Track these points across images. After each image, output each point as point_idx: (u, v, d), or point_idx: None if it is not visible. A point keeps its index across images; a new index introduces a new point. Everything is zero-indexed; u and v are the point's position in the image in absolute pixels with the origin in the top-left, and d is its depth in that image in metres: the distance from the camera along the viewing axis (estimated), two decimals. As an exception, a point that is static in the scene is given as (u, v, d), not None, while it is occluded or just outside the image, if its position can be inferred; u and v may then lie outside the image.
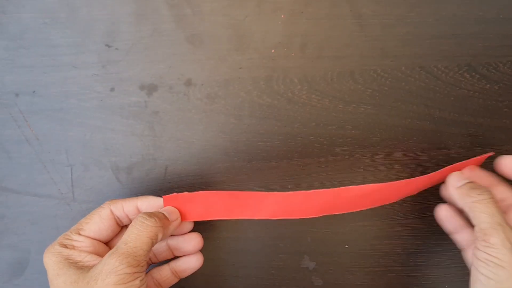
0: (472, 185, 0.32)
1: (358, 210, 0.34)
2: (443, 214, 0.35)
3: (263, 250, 0.38)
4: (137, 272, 0.28)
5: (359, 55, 0.36)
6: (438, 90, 0.37)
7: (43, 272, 0.37)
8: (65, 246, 0.31)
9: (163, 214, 0.31)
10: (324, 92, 0.37)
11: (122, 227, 0.34)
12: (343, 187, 0.32)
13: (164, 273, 0.34)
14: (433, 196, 0.36)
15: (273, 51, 0.36)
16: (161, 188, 0.37)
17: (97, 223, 0.32)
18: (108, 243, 0.33)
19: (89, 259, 0.30)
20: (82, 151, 0.36)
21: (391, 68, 0.37)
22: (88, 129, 0.36)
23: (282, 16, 0.36)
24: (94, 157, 0.36)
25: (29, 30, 0.36)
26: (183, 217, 0.33)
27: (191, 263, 0.34)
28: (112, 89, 0.36)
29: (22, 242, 0.37)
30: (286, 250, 0.38)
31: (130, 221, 0.33)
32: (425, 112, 0.37)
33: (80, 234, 0.31)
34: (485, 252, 0.29)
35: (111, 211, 0.32)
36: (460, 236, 0.34)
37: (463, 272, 0.40)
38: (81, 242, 0.31)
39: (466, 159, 0.34)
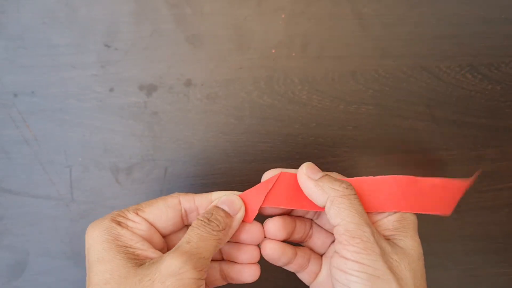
0: (333, 177, 0.28)
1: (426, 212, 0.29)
2: (274, 249, 0.30)
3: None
4: (201, 278, 0.24)
5: (360, 55, 0.36)
6: (440, 90, 0.37)
7: (42, 273, 0.37)
8: (118, 223, 0.26)
9: (224, 212, 0.28)
10: (325, 92, 0.36)
11: (184, 226, 0.30)
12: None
13: (212, 273, 0.30)
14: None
15: (273, 51, 0.36)
16: (161, 189, 0.37)
17: (160, 208, 0.28)
18: (165, 238, 0.29)
19: (140, 246, 0.26)
20: (81, 151, 0.36)
21: (393, 68, 0.36)
22: (87, 129, 0.36)
23: (283, 16, 0.36)
24: (93, 158, 0.36)
25: (28, 30, 0.35)
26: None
27: (245, 276, 0.30)
28: (111, 90, 0.36)
29: (20, 243, 0.37)
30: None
31: None
32: (426, 113, 0.37)
33: (137, 214, 0.27)
34: (355, 261, 0.24)
35: (179, 201, 0.28)
36: (295, 261, 0.30)
37: (465, 274, 0.40)
38: (137, 223, 0.27)
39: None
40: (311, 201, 0.29)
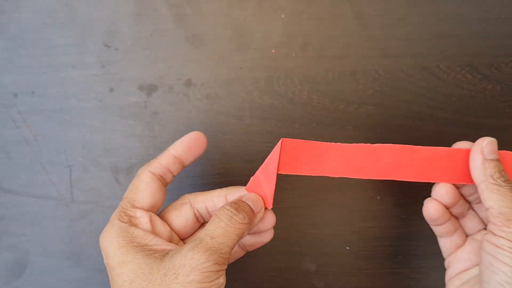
0: (501, 167, 0.28)
1: (427, 180, 0.31)
2: (436, 209, 0.31)
3: (262, 251, 0.38)
4: (221, 270, 0.26)
5: (360, 55, 0.36)
6: (440, 90, 0.37)
7: (42, 273, 0.37)
8: (129, 223, 0.27)
9: (249, 206, 0.28)
10: (325, 92, 0.36)
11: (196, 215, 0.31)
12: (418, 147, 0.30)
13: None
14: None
15: (273, 51, 0.36)
16: (161, 189, 0.37)
17: (145, 190, 0.29)
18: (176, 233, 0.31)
19: (155, 242, 0.27)
20: (81, 151, 0.36)
21: (393, 68, 0.36)
22: (87, 129, 0.36)
23: (283, 16, 0.36)
24: (93, 158, 0.36)
25: (28, 30, 0.35)
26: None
27: (262, 238, 0.31)
28: (111, 90, 0.36)
29: (21, 243, 0.37)
30: (286, 251, 0.38)
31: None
32: (427, 113, 0.37)
33: (135, 207, 0.29)
34: (508, 240, 0.26)
35: (151, 173, 0.29)
36: (445, 225, 0.31)
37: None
38: (141, 217, 0.28)
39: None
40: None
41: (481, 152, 0.29)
